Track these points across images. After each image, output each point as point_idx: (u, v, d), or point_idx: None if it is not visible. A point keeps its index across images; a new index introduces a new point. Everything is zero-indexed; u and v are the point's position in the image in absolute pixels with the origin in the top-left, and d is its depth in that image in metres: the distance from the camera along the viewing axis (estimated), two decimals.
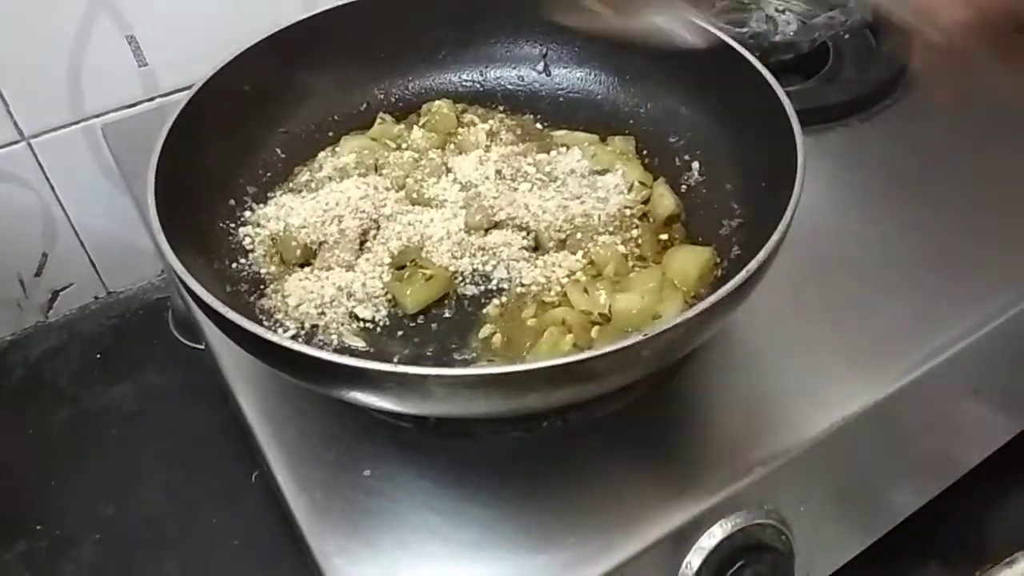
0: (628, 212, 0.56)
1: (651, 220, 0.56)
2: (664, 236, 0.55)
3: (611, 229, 0.55)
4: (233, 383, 0.53)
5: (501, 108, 0.65)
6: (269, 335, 0.40)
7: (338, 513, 0.46)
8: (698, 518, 0.46)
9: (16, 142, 0.71)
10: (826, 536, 0.57)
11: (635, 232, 0.55)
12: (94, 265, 0.81)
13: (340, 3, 0.62)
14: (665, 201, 0.56)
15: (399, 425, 0.49)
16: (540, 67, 0.66)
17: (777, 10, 0.73)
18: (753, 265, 0.41)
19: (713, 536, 0.46)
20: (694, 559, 0.46)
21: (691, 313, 0.39)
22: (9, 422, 0.73)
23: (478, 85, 0.66)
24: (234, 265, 0.54)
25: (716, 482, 0.46)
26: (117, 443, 0.71)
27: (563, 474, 0.47)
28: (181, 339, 0.78)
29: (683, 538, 0.46)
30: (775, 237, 0.42)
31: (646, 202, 0.57)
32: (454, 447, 0.49)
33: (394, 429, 0.49)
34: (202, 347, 0.59)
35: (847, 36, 0.76)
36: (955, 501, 0.64)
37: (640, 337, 0.38)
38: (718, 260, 0.52)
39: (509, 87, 0.67)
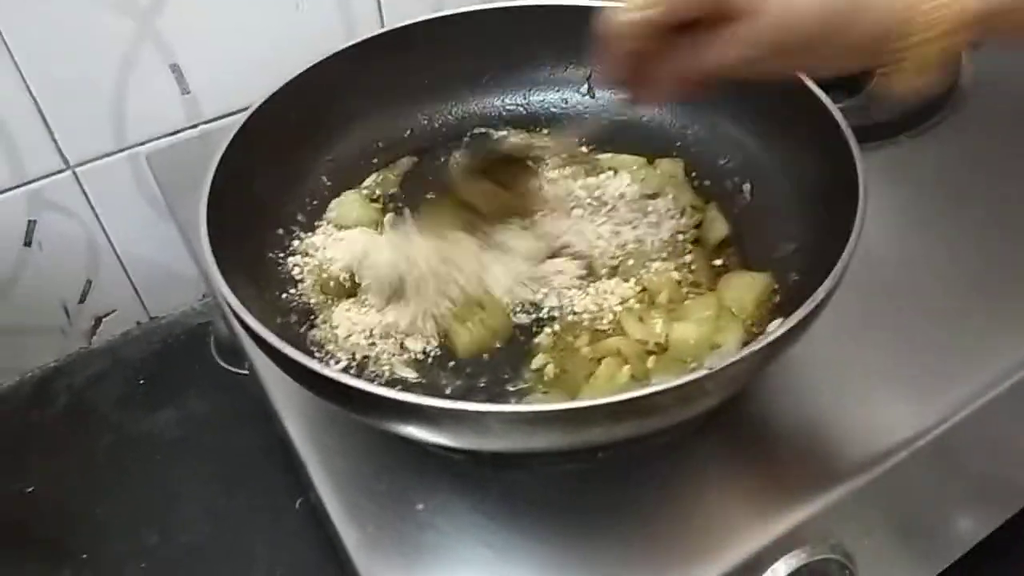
0: (681, 237, 0.55)
1: (703, 245, 0.55)
2: (718, 261, 0.54)
3: (664, 255, 0.54)
4: (281, 409, 0.52)
5: (545, 131, 0.65)
6: (323, 369, 0.39)
7: (390, 546, 0.45)
8: (761, 553, 0.44)
9: (62, 171, 0.71)
10: (889, 569, 0.56)
11: (688, 258, 0.54)
12: (137, 291, 0.81)
13: (382, 31, 0.62)
14: (717, 225, 0.55)
15: (451, 456, 0.49)
16: (584, 89, 0.65)
17: None
18: (819, 294, 0.40)
19: (776, 573, 0.45)
20: None
21: (756, 346, 0.38)
22: (54, 448, 0.73)
23: (521, 108, 0.66)
24: (284, 296, 0.53)
25: (780, 515, 0.45)
26: (160, 468, 0.71)
27: (619, 508, 0.46)
28: (223, 364, 0.78)
29: (746, 575, 0.45)
30: (840, 265, 0.41)
31: (698, 226, 0.56)
32: (508, 478, 0.48)
33: (446, 460, 0.48)
34: (245, 371, 0.59)
35: None
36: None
37: (705, 371, 0.37)
38: (776, 286, 0.51)
39: (553, 110, 0.66)
